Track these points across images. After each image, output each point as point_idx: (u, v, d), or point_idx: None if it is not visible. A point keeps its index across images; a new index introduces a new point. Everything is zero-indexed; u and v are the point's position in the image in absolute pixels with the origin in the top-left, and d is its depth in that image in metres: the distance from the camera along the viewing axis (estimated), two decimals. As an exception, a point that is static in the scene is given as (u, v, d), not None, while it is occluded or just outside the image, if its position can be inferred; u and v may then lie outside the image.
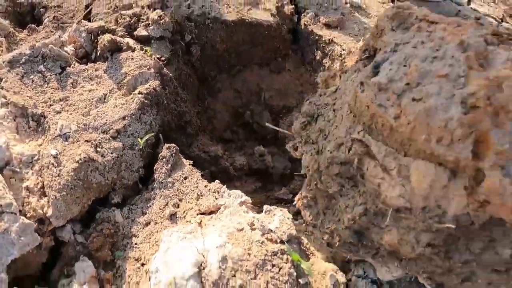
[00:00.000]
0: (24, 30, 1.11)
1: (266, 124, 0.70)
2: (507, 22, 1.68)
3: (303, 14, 1.12)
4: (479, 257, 0.49)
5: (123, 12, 0.99)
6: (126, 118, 0.72)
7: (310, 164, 0.60)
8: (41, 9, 1.17)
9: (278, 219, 0.61)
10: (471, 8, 1.62)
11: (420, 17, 0.56)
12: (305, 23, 1.09)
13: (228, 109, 1.05)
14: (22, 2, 1.21)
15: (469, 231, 0.48)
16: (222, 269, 0.54)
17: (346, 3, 1.19)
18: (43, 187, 0.63)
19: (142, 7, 1.01)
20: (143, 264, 0.61)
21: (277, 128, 0.71)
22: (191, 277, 0.52)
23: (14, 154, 0.66)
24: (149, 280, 0.55)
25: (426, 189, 0.48)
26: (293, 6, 1.13)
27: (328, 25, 1.07)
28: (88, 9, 1.09)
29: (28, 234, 0.58)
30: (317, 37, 1.04)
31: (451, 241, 0.49)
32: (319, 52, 1.03)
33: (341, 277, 0.60)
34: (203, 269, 0.54)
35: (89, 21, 1.10)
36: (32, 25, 1.11)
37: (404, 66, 0.50)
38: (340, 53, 0.97)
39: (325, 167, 0.58)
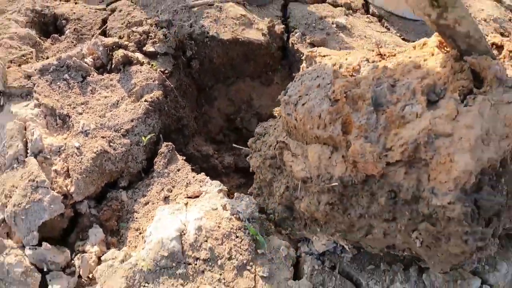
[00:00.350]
0: (48, 39, 1.33)
1: (233, 145, 0.96)
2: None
3: (292, 33, 1.33)
4: (368, 209, 0.70)
5: (134, 29, 1.21)
6: (134, 120, 0.94)
7: (255, 163, 0.83)
8: (63, 21, 1.40)
9: (244, 203, 0.82)
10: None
11: (318, 53, 0.78)
12: (293, 42, 1.30)
13: (222, 115, 1.27)
14: (46, 14, 1.44)
15: (355, 189, 0.69)
16: (197, 235, 0.75)
17: (332, 23, 1.40)
18: (67, 170, 0.85)
19: (151, 25, 1.23)
20: (140, 233, 0.83)
21: (241, 147, 0.95)
22: (174, 239, 0.74)
23: (46, 145, 0.88)
24: (144, 242, 0.77)
25: (317, 161, 0.71)
26: (283, 26, 1.34)
27: (312, 44, 1.28)
28: (105, 26, 1.31)
29: (56, 204, 0.80)
30: (301, 56, 1.25)
31: (345, 199, 0.71)
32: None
33: (292, 252, 0.81)
34: (184, 234, 0.75)
35: (105, 34, 1.33)
36: (55, 35, 1.33)
37: (299, 86, 0.72)
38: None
39: (262, 162, 0.81)
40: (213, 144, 1.19)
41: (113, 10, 1.40)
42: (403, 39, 1.51)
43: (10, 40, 1.25)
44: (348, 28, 1.42)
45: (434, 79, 0.68)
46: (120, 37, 1.23)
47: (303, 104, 0.72)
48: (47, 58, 1.22)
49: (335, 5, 1.55)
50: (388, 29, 1.56)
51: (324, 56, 0.82)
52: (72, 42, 1.29)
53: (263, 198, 0.85)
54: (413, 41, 1.29)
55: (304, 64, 0.86)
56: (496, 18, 1.93)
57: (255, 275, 0.76)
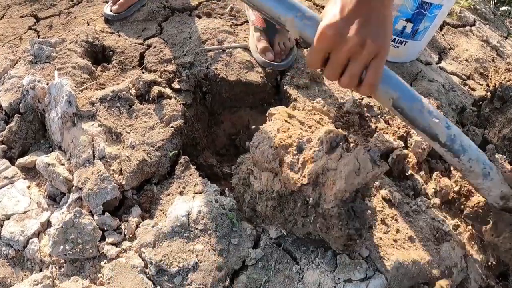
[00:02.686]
0: (99, 67, 2.21)
1: (224, 169, 1.83)
2: (473, 79, 2.62)
3: (283, 75, 2.18)
4: (293, 210, 1.49)
5: (166, 67, 2.08)
6: (164, 140, 1.80)
7: (234, 182, 1.69)
8: (110, 52, 2.28)
9: (229, 200, 1.68)
10: (439, 67, 2.59)
11: (274, 112, 1.63)
12: (283, 83, 2.15)
13: (226, 135, 2.13)
14: (97, 45, 2.32)
15: (286, 198, 1.51)
16: (198, 215, 1.61)
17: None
18: (121, 170, 1.72)
19: (177, 65, 2.10)
20: (164, 212, 1.69)
21: (227, 170, 1.81)
22: (184, 216, 1.60)
23: (106, 153, 1.75)
24: (166, 217, 1.64)
25: (266, 181, 1.53)
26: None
27: (297, 86, 2.13)
28: (143, 66, 2.20)
29: (114, 190, 1.67)
30: (287, 95, 2.10)
31: (281, 204, 1.53)
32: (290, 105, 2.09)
33: (254, 232, 1.66)
34: (190, 214, 1.62)
35: (142, 65, 2.20)
36: (105, 64, 2.21)
37: (259, 136, 1.57)
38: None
39: (238, 181, 1.67)
40: (218, 156, 2.05)
41: (149, 46, 2.27)
42: None
43: (73, 70, 2.12)
44: (331, 73, 2.25)
45: (334, 135, 1.51)
46: (154, 71, 2.11)
47: (259, 148, 1.57)
48: (101, 84, 2.10)
49: (327, 49, 2.39)
50: (368, 71, 2.38)
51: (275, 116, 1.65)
52: (118, 72, 2.17)
53: (239, 203, 1.72)
54: None
55: (267, 119, 1.70)
56: (479, 58, 2.68)
57: (229, 243, 1.62)
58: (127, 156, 1.74)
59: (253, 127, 1.74)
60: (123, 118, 1.88)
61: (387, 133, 1.99)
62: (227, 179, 1.94)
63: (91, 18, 2.52)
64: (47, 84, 1.98)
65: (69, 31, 2.39)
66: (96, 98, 1.91)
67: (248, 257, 1.59)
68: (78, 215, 1.60)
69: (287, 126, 1.61)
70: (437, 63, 2.54)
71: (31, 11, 2.74)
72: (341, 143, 1.51)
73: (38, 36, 2.51)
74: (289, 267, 1.58)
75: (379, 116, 2.10)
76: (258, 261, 1.58)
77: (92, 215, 1.65)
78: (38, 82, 1.98)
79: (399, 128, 2.02)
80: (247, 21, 2.41)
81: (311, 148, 1.51)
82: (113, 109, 1.89)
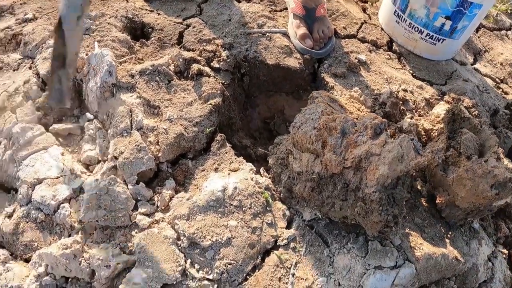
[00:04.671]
0: (137, 43, 2.17)
1: (258, 151, 1.79)
2: (507, 83, 2.57)
3: (321, 63, 2.14)
4: (332, 193, 1.47)
5: (205, 47, 2.04)
6: (201, 116, 1.76)
7: (272, 161, 1.64)
8: (149, 29, 2.24)
9: (264, 179, 1.64)
10: (474, 68, 2.55)
11: (316, 96, 1.58)
12: (321, 70, 2.10)
13: (260, 118, 2.08)
14: (136, 21, 2.28)
15: (326, 180, 1.48)
16: (233, 191, 1.57)
17: (355, 58, 2.20)
18: (157, 142, 1.68)
19: (217, 45, 2.06)
20: (198, 187, 1.65)
21: (263, 150, 1.76)
22: (219, 191, 1.56)
23: (144, 124, 1.71)
24: (200, 192, 1.60)
25: (306, 162, 1.49)
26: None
27: (334, 75, 2.09)
28: (182, 44, 2.15)
29: (150, 161, 1.63)
30: (325, 82, 2.05)
31: (320, 186, 1.50)
32: (324, 92, 2.04)
33: (288, 212, 1.62)
34: (225, 190, 1.57)
35: (181, 43, 2.16)
36: (143, 40, 2.17)
37: (302, 117, 1.53)
38: (334, 97, 1.98)
39: (276, 161, 1.62)
40: (251, 138, 2.00)
41: (188, 25, 2.23)
42: (414, 76, 2.28)
43: (113, 43, 2.08)
44: (367, 64, 2.20)
45: (379, 121, 1.46)
46: (193, 50, 2.07)
47: (302, 129, 1.52)
48: (139, 59, 2.06)
49: (363, 41, 2.33)
50: (404, 66, 2.35)
51: (318, 99, 1.61)
52: (156, 48, 2.12)
53: (275, 183, 1.67)
54: (422, 78, 2.08)
55: (309, 101, 1.66)
56: (513, 63, 2.63)
57: (263, 221, 1.57)
58: (165, 129, 1.70)
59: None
60: (161, 92, 1.84)
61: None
62: (260, 161, 1.90)
63: (131, -5, 2.49)
64: (86, 54, 1.94)
65: (108, 7, 2.35)
66: (136, 71, 1.87)
67: (280, 237, 1.55)
68: (112, 182, 1.57)
69: (330, 110, 1.56)
70: (471, 64, 2.51)
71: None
72: (385, 130, 1.47)
73: (77, 9, 2.47)
74: (320, 250, 1.54)
75: (413, 110, 2.05)
76: (290, 242, 1.55)
77: (126, 184, 1.60)
78: (76, 53, 1.94)
79: (432, 122, 1.97)
80: (286, 8, 2.37)
81: (354, 133, 1.46)
82: (152, 83, 1.85)
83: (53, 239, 1.60)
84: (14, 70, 2.18)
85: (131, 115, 1.72)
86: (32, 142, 1.79)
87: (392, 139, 1.45)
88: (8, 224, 1.63)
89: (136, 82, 1.83)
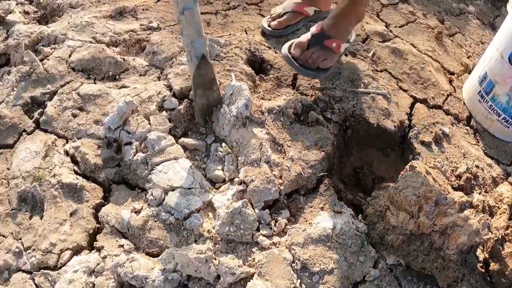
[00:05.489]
0: (257, 77, 2.82)
1: (356, 197, 2.44)
2: None
3: (411, 129, 2.80)
4: (418, 247, 2.11)
5: (320, 97, 2.70)
6: (316, 161, 2.38)
7: (369, 211, 2.28)
8: (268, 66, 2.87)
9: (363, 224, 2.31)
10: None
11: (415, 166, 2.25)
12: (410, 136, 2.76)
13: (352, 167, 2.70)
14: (257, 55, 2.93)
15: (415, 236, 2.12)
16: (340, 231, 2.21)
17: (440, 129, 2.86)
18: (281, 177, 2.33)
19: (330, 96, 2.72)
20: (307, 221, 2.31)
21: (360, 199, 2.42)
22: (330, 229, 2.18)
23: (271, 159, 2.37)
24: (312, 226, 2.26)
25: (402, 220, 2.13)
26: (408, 122, 2.81)
27: (421, 142, 2.74)
28: (296, 87, 2.82)
29: (276, 192, 2.28)
30: (412, 147, 2.70)
31: (410, 241, 2.15)
32: (410, 156, 2.70)
33: (374, 254, 2.28)
34: (334, 228, 2.22)
35: (295, 85, 2.81)
36: (262, 75, 2.82)
37: (402, 182, 2.19)
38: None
39: (373, 212, 2.27)
40: (342, 183, 2.67)
41: (302, 69, 2.88)
42: (485, 153, 2.90)
43: (241, 74, 2.72)
44: (449, 136, 2.85)
45: (465, 200, 2.13)
46: (306, 95, 2.73)
47: (403, 193, 2.16)
48: (258, 93, 2.71)
49: (447, 113, 2.96)
50: (478, 142, 2.99)
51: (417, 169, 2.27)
52: (274, 86, 2.76)
53: (369, 229, 2.32)
54: (492, 157, 2.74)
55: (409, 168, 2.31)
56: None
57: (357, 259, 2.22)
58: (288, 167, 2.36)
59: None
60: (284, 132, 2.49)
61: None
62: (348, 205, 2.53)
63: (248, 27, 3.12)
64: (219, 81, 2.59)
65: (229, 34, 3.00)
66: (265, 108, 2.51)
67: (368, 274, 2.18)
68: (245, 205, 2.20)
69: (427, 181, 2.23)
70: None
71: (188, 2, 3.36)
72: (468, 208, 2.14)
73: (198, 29, 3.13)
74: (395, 291, 2.19)
75: (481, 186, 2.71)
76: (374, 279, 2.19)
77: (253, 208, 2.25)
78: (212, 78, 2.59)
79: (495, 200, 2.63)
80: (386, 69, 3.03)
81: (445, 204, 2.13)
82: (277, 122, 2.50)
83: (179, 241, 2.08)
84: (140, 75, 2.82)
85: (261, 148, 2.37)
86: (164, 151, 2.39)
87: (473, 212, 2.11)
88: (136, 219, 2.11)
89: (265, 119, 2.48)
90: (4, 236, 2.17)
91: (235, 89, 2.48)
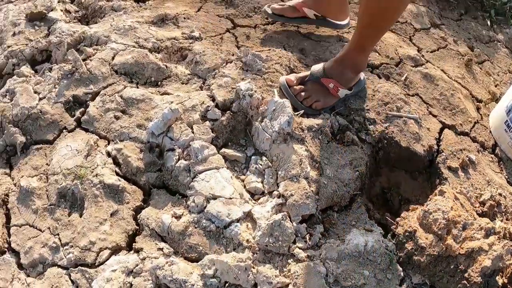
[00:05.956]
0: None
1: (386, 216, 2.71)
2: None
3: (439, 154, 3.06)
4: (444, 268, 2.40)
5: (355, 118, 2.97)
6: (350, 180, 2.66)
7: (399, 231, 2.57)
8: (306, 82, 3.17)
9: (392, 243, 2.58)
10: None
11: (445, 191, 2.53)
12: (438, 160, 3.03)
13: (380, 187, 2.97)
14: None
15: (443, 258, 2.41)
16: (371, 248, 2.47)
17: (466, 156, 3.12)
18: (318, 193, 2.60)
19: (364, 118, 2.99)
20: (340, 237, 2.58)
21: (389, 219, 2.69)
22: (362, 246, 2.45)
23: (310, 175, 2.65)
24: (345, 242, 2.53)
25: (430, 241, 2.43)
26: (437, 147, 3.08)
27: (448, 167, 3.01)
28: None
29: (313, 208, 2.56)
30: (440, 172, 2.97)
31: (436, 262, 2.39)
32: (437, 181, 2.97)
33: (401, 273, 2.55)
34: (366, 245, 2.50)
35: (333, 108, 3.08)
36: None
37: (433, 206, 2.47)
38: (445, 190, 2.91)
39: (402, 232, 2.55)
40: (370, 202, 2.93)
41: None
42: (508, 182, 3.10)
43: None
44: (475, 163, 3.12)
45: (490, 225, 2.40)
46: (341, 115, 2.99)
47: (433, 216, 2.41)
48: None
49: (474, 141, 3.19)
50: (501, 170, 3.23)
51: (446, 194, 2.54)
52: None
53: (397, 248, 2.59)
54: None
55: (437, 191, 2.58)
56: None
57: (385, 276, 2.49)
58: (325, 183, 2.62)
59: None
60: (322, 150, 2.76)
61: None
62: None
63: (287, 44, 3.39)
64: (261, 96, 2.85)
65: (269, 49, 3.27)
66: (305, 126, 2.78)
67: (394, 291, 2.47)
68: (284, 218, 2.47)
69: (457, 206, 2.50)
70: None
71: (227, 14, 3.60)
72: (493, 234, 2.41)
73: (237, 41, 3.39)
74: (418, 308, 2.46)
75: (503, 213, 2.98)
76: (400, 296, 2.47)
77: (291, 221, 2.52)
78: (255, 92, 2.85)
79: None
80: (417, 94, 3.30)
81: (472, 229, 2.40)
82: (315, 140, 2.76)
83: (219, 249, 2.22)
84: (182, 83, 3.07)
85: (301, 164, 2.63)
86: (207, 160, 2.62)
87: (497, 238, 2.38)
88: (177, 225, 2.25)
89: (305, 136, 2.75)
90: (40, 230, 2.30)
91: (278, 105, 2.71)
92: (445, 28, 4.09)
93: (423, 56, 3.63)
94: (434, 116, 3.20)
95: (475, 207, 2.88)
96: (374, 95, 3.13)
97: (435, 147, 3.02)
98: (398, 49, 3.56)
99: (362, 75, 3.05)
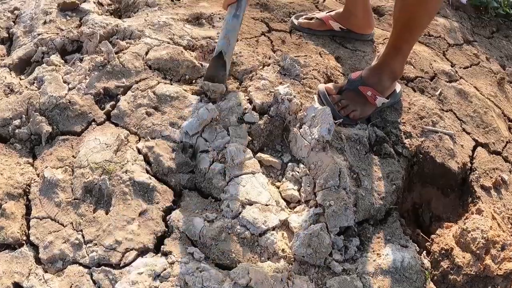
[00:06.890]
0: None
1: (418, 231, 2.70)
2: None
3: (472, 172, 3.05)
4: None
5: (392, 130, 2.96)
6: (387, 193, 2.64)
7: (434, 248, 2.57)
8: (342, 91, 3.16)
9: (427, 260, 2.57)
10: None
11: (482, 209, 2.52)
12: (472, 178, 3.02)
13: (411, 202, 2.97)
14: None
15: (479, 278, 2.40)
16: (407, 264, 2.47)
17: (499, 176, 3.11)
18: (356, 204, 2.59)
19: (401, 131, 2.98)
20: (374, 251, 2.57)
21: (422, 235, 2.68)
22: (399, 262, 2.45)
23: (348, 185, 2.63)
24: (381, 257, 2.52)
25: (468, 261, 2.43)
26: (470, 164, 3.07)
27: (481, 186, 3.00)
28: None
29: (352, 220, 2.53)
30: (472, 190, 2.96)
31: (473, 281, 2.39)
32: (470, 199, 2.96)
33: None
34: (402, 262, 2.49)
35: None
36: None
37: (472, 225, 2.46)
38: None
39: (438, 250, 2.54)
40: (402, 217, 2.91)
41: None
42: None
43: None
44: (507, 184, 3.12)
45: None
46: (377, 126, 2.98)
47: (471, 234, 2.40)
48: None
49: (506, 160, 3.20)
50: (528, 188, 3.24)
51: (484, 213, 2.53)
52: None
53: (432, 266, 2.58)
54: None
55: (474, 210, 2.58)
56: None
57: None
58: (362, 195, 2.61)
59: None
60: (360, 160, 2.74)
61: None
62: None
63: (322, 51, 3.39)
64: (300, 101, 2.84)
65: (305, 55, 3.26)
66: (344, 135, 2.77)
67: (427, 309, 2.46)
68: (323, 229, 2.45)
69: (496, 226, 2.49)
70: None
71: (262, 17, 3.61)
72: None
73: (272, 45, 3.39)
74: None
75: (535, 236, 2.98)
76: (434, 314, 2.45)
77: (329, 232, 2.50)
78: (294, 97, 2.84)
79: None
80: (451, 109, 3.29)
81: (511, 250, 2.39)
82: (354, 150, 2.76)
83: (253, 256, 2.17)
84: (218, 83, 3.05)
85: (340, 174, 2.62)
86: (243, 164, 2.60)
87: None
88: (210, 229, 2.18)
89: (344, 146, 2.74)
90: (63, 225, 2.23)
91: (318, 112, 2.69)
92: (477, 45, 4.10)
93: (456, 72, 3.63)
94: (468, 133, 3.20)
95: (508, 228, 2.88)
96: (409, 108, 3.13)
97: (469, 164, 3.00)
98: (433, 63, 3.56)
99: (398, 87, 3.06)
